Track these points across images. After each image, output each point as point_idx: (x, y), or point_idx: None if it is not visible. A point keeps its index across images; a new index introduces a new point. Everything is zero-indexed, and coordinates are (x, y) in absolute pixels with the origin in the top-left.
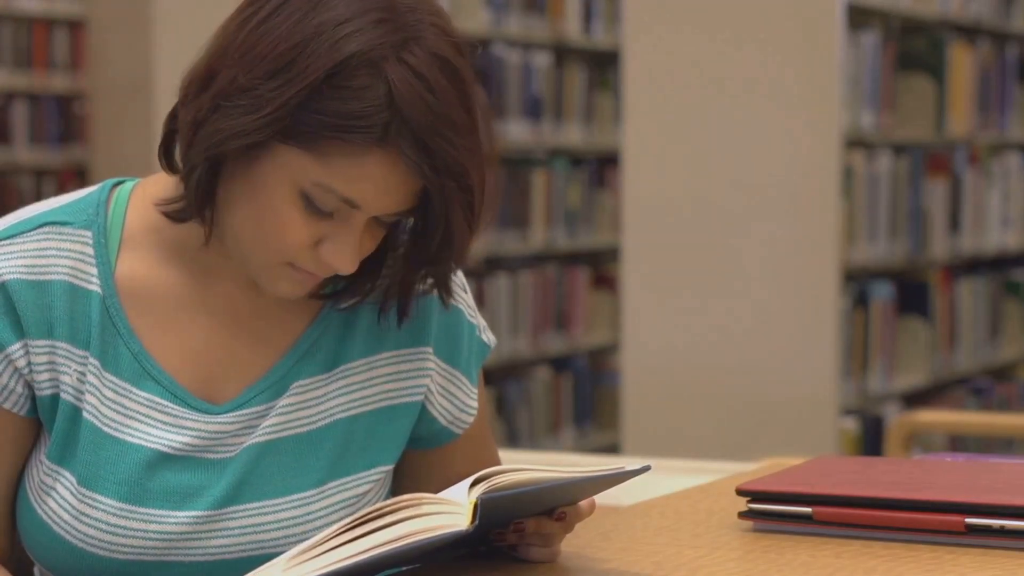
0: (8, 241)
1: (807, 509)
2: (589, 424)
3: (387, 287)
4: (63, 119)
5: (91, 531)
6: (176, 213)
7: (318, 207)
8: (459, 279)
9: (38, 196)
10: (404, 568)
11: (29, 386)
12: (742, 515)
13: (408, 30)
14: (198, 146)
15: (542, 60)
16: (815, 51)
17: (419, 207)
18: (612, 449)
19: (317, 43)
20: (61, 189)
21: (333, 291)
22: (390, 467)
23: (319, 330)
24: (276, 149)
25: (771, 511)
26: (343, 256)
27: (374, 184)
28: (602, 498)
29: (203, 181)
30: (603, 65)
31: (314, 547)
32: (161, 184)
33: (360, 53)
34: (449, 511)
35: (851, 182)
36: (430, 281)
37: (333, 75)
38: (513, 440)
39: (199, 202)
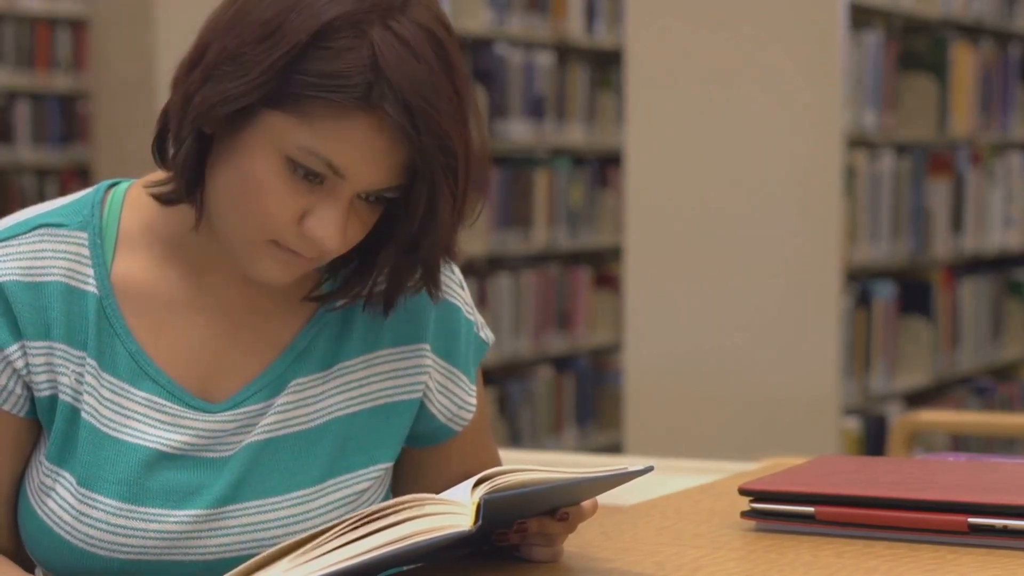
0: (3, 244)
1: (809, 509)
2: (591, 424)
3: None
4: (65, 119)
5: (91, 531)
6: (166, 195)
7: (303, 174)
8: (456, 276)
9: (41, 196)
10: (407, 568)
11: (28, 387)
12: (744, 515)
13: (395, 0)
14: (187, 119)
15: (544, 60)
16: (817, 50)
17: (405, 190)
18: (614, 449)
19: (303, 6)
20: (64, 189)
21: (326, 293)
22: (389, 464)
23: (316, 328)
24: (261, 117)
25: (773, 511)
26: (327, 229)
27: (358, 149)
28: (604, 497)
29: (191, 156)
30: (605, 65)
31: (317, 546)
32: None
33: (345, 15)
34: (452, 511)
35: (853, 182)
36: (419, 273)
37: (318, 36)
38: (515, 440)
39: (187, 178)
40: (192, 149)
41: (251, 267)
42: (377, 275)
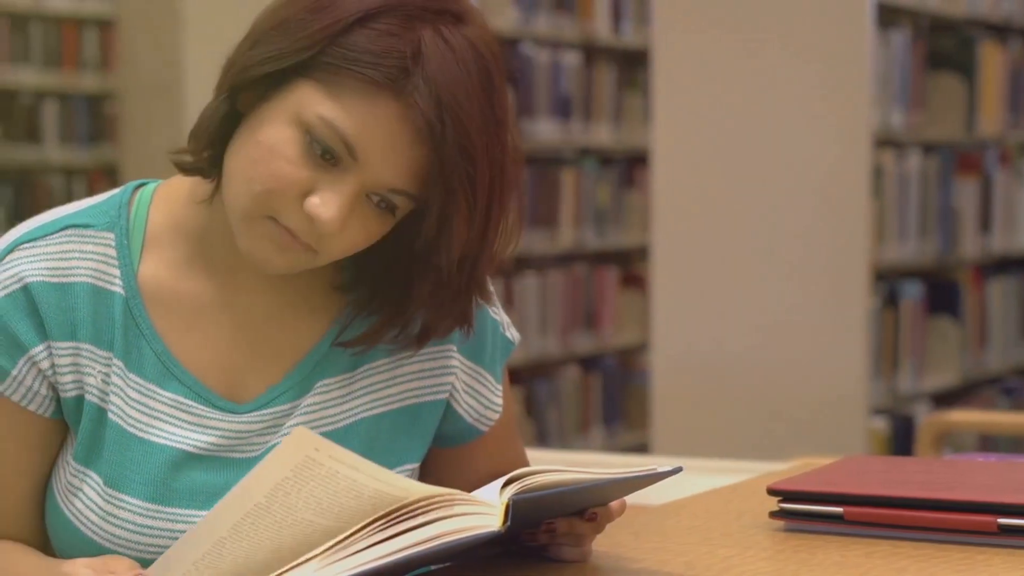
0: (31, 244)
1: (838, 509)
2: (618, 424)
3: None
4: (93, 118)
5: (119, 531)
6: (186, 162)
7: (319, 151)
8: None
9: (68, 195)
10: (436, 567)
11: (53, 388)
12: (773, 515)
13: (455, 9)
14: (225, 81)
15: (571, 59)
16: (845, 50)
17: (419, 203)
18: (641, 449)
19: None
20: (91, 188)
21: (358, 336)
22: (416, 465)
23: (342, 329)
24: (292, 86)
25: (802, 511)
26: (327, 209)
27: (379, 133)
28: (632, 497)
29: (218, 121)
30: (632, 64)
31: (346, 546)
32: (184, 183)
33: (401, 6)
34: (481, 511)
35: (881, 181)
36: (453, 313)
37: (368, 16)
38: (542, 440)
39: (210, 142)
40: (220, 114)
41: (246, 244)
42: (410, 312)
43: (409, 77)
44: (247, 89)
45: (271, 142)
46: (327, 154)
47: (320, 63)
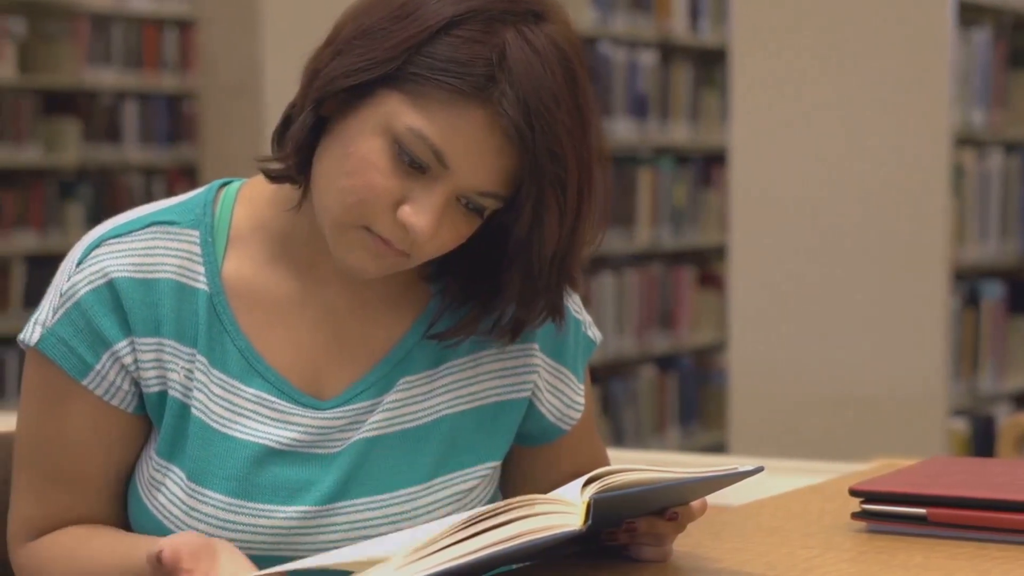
0: (116, 240)
1: (921, 510)
2: (695, 423)
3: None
4: (173, 118)
5: (201, 526)
6: (274, 171)
7: (408, 160)
8: None
9: (148, 195)
10: (516, 566)
11: (136, 383)
12: (855, 516)
13: (537, 8)
14: (311, 93)
15: (648, 58)
16: (925, 49)
17: (508, 203)
18: (718, 449)
19: None
20: (170, 188)
21: (449, 328)
22: (497, 463)
23: (425, 326)
24: (378, 96)
25: (885, 512)
26: (421, 217)
27: (468, 141)
28: (712, 498)
29: (306, 131)
30: (709, 63)
31: (427, 545)
32: (268, 184)
33: (483, 10)
34: (562, 510)
35: (961, 181)
36: (542, 303)
37: (451, 23)
38: (618, 439)
39: (298, 153)
40: (308, 124)
41: (341, 253)
42: (501, 304)
43: (495, 84)
44: (332, 99)
45: (363, 153)
46: (416, 163)
47: (406, 74)
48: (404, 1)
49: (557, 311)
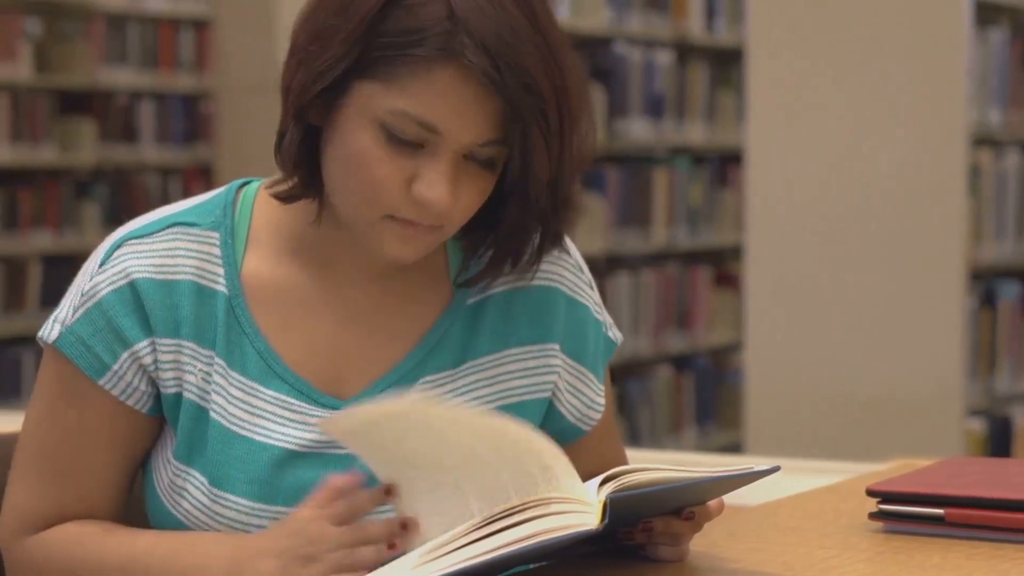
0: (138, 240)
1: (939, 511)
2: (711, 423)
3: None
4: (189, 118)
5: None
6: (284, 193)
7: (399, 138)
8: (586, 276)
9: (164, 194)
10: (533, 566)
11: (153, 384)
12: (872, 516)
13: None
14: (289, 109)
15: (664, 58)
16: (942, 48)
17: (508, 143)
18: (734, 448)
19: None
20: (186, 188)
21: (473, 275)
22: None
23: (445, 325)
24: (353, 90)
25: (902, 512)
26: (434, 189)
27: (447, 102)
28: (728, 497)
29: (297, 146)
30: (725, 63)
31: (443, 544)
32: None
33: None
34: (579, 510)
35: (978, 180)
36: (539, 229)
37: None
38: (635, 439)
39: (300, 170)
40: (297, 139)
41: (377, 248)
42: (512, 242)
43: (454, 38)
44: (311, 106)
45: (359, 149)
46: (409, 141)
47: (368, 59)
48: None
49: (559, 238)
